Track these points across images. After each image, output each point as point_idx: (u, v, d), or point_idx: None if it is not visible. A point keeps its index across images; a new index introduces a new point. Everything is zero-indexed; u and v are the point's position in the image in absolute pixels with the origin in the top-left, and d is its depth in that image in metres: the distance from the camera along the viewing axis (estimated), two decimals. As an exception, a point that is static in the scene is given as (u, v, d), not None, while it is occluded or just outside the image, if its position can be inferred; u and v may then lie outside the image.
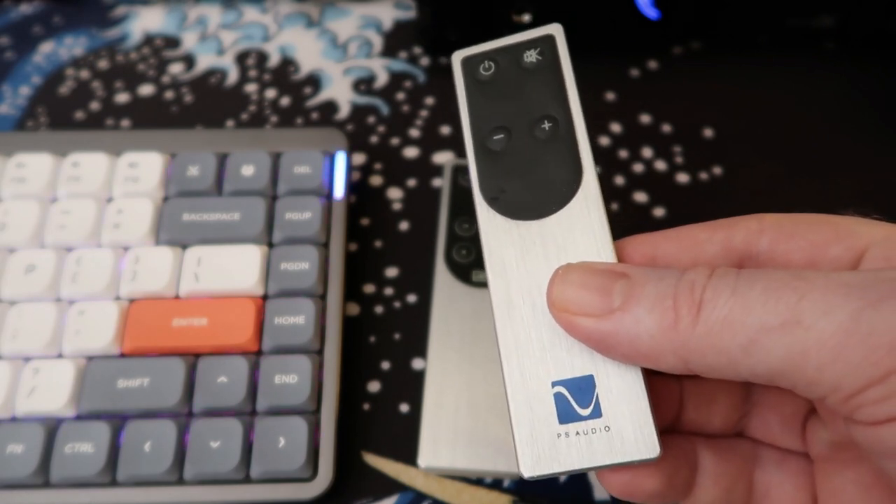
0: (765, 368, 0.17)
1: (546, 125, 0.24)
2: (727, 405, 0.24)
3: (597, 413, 0.20)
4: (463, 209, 0.33)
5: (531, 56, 0.25)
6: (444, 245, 0.33)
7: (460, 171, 0.34)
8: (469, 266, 0.32)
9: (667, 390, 0.23)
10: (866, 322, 0.16)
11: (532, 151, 0.24)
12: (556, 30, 0.25)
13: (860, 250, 0.20)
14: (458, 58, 0.26)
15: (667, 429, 0.23)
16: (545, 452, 0.20)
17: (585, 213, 0.22)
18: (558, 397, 0.21)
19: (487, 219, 0.23)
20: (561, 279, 0.20)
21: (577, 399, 0.21)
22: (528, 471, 0.20)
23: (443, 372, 0.30)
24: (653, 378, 0.20)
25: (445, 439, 0.28)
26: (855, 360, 0.16)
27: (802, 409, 0.23)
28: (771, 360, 0.17)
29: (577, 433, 0.20)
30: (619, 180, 0.36)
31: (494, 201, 0.23)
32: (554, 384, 0.21)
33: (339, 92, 0.39)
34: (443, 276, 0.32)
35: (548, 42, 0.25)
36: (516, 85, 0.25)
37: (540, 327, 0.21)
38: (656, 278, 0.19)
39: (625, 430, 0.20)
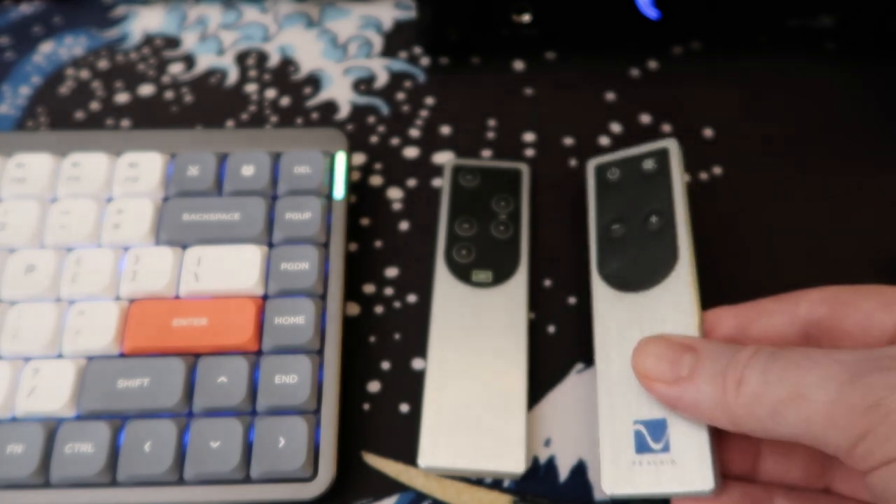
0: (789, 432, 0.22)
1: (654, 219, 0.30)
2: (805, 458, 0.26)
3: (666, 448, 0.25)
4: (463, 209, 0.33)
5: (649, 164, 0.31)
6: (444, 245, 0.33)
7: (460, 171, 0.34)
8: (469, 266, 0.32)
9: (745, 439, 0.26)
10: (848, 393, 0.20)
11: (642, 238, 0.30)
12: (671, 144, 0.31)
13: None
14: (592, 165, 0.33)
15: (743, 476, 0.26)
16: (623, 475, 0.25)
17: (678, 289, 0.28)
18: (637, 433, 0.26)
19: (600, 290, 0.30)
20: (641, 350, 0.25)
21: (652, 436, 0.26)
22: (609, 488, 0.26)
23: (443, 372, 0.30)
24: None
25: (445, 439, 0.28)
26: (843, 424, 0.20)
27: None
28: (790, 426, 0.21)
29: (649, 463, 0.25)
30: (619, 180, 0.36)
31: (608, 277, 0.30)
32: (635, 422, 0.26)
33: (339, 92, 0.39)
34: (443, 276, 0.32)
35: (663, 154, 0.31)
36: (635, 186, 0.31)
37: (630, 378, 0.27)
38: (715, 356, 0.24)
39: (687, 465, 0.25)
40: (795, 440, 0.22)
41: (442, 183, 0.35)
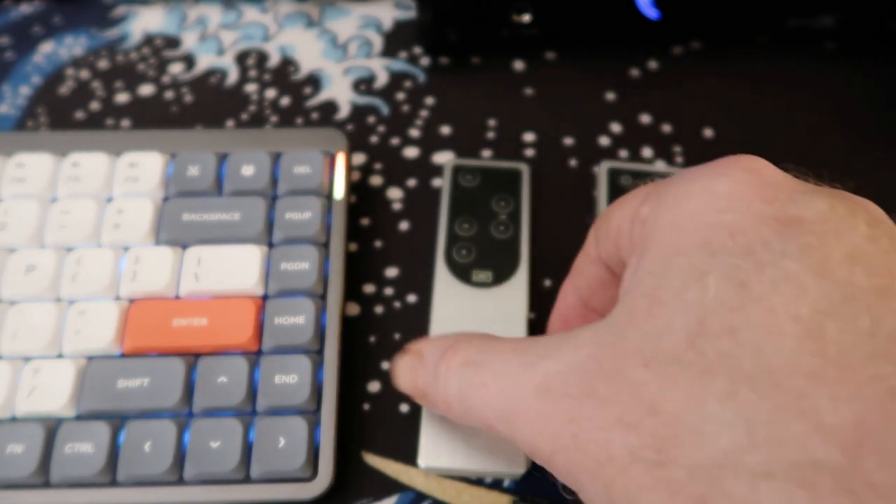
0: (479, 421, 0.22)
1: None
2: None
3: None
4: (463, 209, 0.34)
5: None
6: (444, 245, 0.33)
7: (460, 171, 0.34)
8: (469, 266, 0.32)
9: None
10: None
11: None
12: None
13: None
14: (605, 167, 0.35)
15: None
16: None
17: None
18: None
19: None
20: (393, 366, 0.26)
21: None
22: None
23: None
24: None
25: (445, 440, 0.28)
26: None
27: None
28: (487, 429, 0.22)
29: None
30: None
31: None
32: None
33: (339, 92, 0.39)
34: (443, 276, 0.32)
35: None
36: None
37: None
38: (429, 365, 0.24)
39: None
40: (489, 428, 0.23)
41: (442, 183, 0.35)
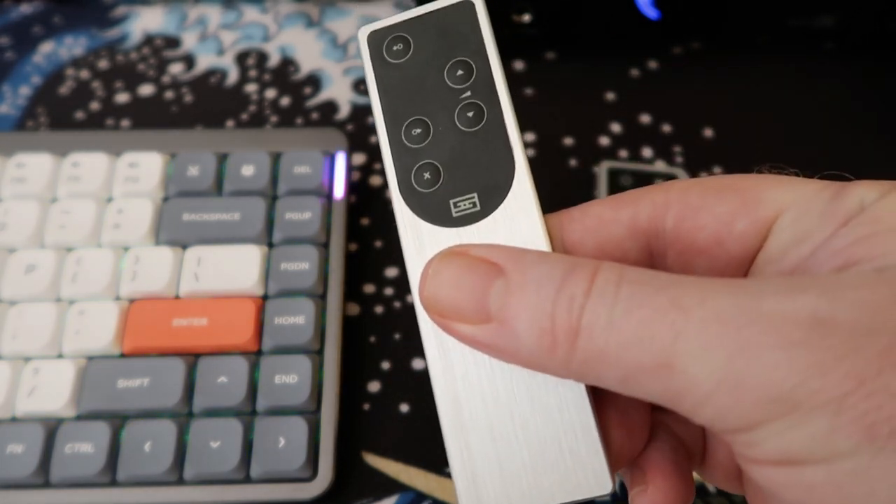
0: (644, 397, 0.17)
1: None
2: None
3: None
4: (404, 102, 0.22)
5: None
6: (395, 172, 0.21)
7: (384, 41, 0.22)
8: (441, 195, 0.21)
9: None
10: (736, 371, 0.15)
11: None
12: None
13: (768, 221, 0.19)
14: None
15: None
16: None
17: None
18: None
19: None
20: (433, 277, 0.18)
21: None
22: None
23: (452, 380, 0.19)
24: None
25: (488, 472, 0.19)
26: (725, 405, 0.15)
27: None
28: (648, 395, 0.16)
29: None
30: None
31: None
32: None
33: (339, 92, 0.39)
34: (410, 226, 0.20)
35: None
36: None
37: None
38: (535, 285, 0.17)
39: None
40: (651, 402, 0.17)
41: (364, 72, 0.22)
